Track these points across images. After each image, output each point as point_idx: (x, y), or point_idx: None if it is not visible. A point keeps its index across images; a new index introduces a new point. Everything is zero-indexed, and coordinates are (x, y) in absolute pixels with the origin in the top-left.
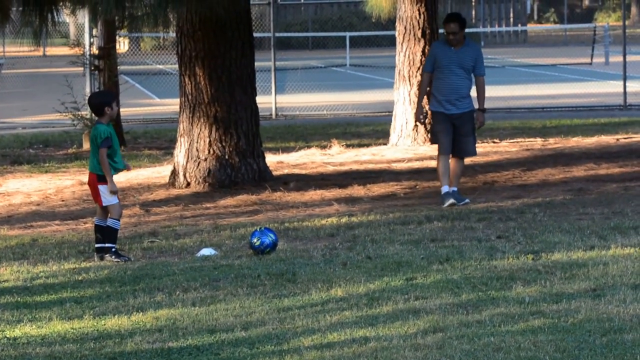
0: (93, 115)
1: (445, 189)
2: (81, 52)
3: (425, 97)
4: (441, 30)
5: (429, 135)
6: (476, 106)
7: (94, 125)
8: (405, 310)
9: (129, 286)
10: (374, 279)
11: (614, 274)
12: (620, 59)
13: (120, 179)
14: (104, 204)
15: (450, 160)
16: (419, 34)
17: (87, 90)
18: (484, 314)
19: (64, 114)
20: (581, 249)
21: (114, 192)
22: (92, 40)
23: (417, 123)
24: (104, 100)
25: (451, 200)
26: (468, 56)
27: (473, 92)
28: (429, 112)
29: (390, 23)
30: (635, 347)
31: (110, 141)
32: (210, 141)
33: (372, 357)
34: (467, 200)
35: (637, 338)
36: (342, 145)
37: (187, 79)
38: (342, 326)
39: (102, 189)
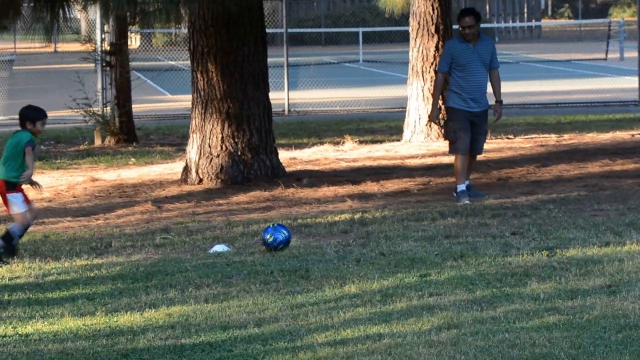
0: (106, 111)
1: (462, 187)
2: (93, 48)
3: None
4: (455, 26)
5: (443, 130)
6: (492, 100)
7: (14, 133)
8: (419, 306)
9: (142, 283)
10: (387, 275)
11: (630, 270)
12: (636, 54)
13: (133, 175)
14: (10, 212)
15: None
16: (433, 29)
17: (99, 86)
18: (499, 311)
19: (76, 110)
20: (596, 245)
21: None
22: (103, 36)
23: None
24: (29, 114)
25: (467, 200)
26: (486, 51)
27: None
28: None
29: (404, 18)
30: None
31: (34, 144)
32: (222, 137)
33: (386, 354)
34: (485, 195)
35: None
36: (355, 142)
37: (199, 75)
38: (355, 323)
39: (10, 197)
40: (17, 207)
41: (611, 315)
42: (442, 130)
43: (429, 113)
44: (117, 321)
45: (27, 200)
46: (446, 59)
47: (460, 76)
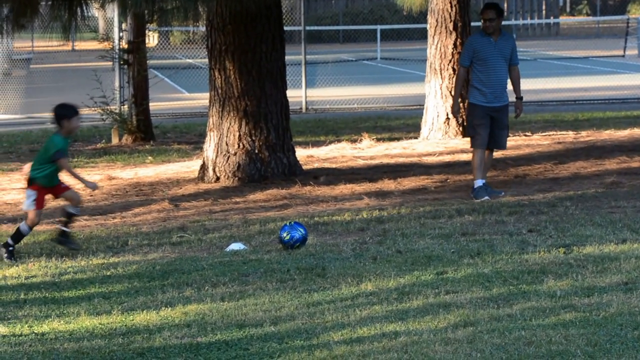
0: (123, 109)
1: (479, 182)
2: (110, 47)
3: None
4: (473, 24)
5: (461, 127)
6: (513, 97)
7: (50, 136)
8: (436, 304)
9: (158, 281)
10: (404, 273)
11: None
12: None
13: (150, 173)
14: (23, 209)
15: None
16: (451, 26)
17: (116, 84)
18: (515, 308)
19: (93, 108)
20: (613, 243)
21: (93, 187)
22: (121, 34)
23: (450, 116)
24: (64, 112)
25: (485, 197)
26: (507, 46)
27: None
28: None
29: (422, 16)
30: None
31: (65, 153)
32: (240, 135)
33: (403, 352)
34: (502, 193)
35: None
36: (373, 139)
37: (217, 73)
38: (372, 321)
39: (29, 192)
40: (26, 203)
41: (628, 312)
42: (460, 128)
43: (451, 107)
44: (133, 320)
45: (39, 204)
46: (468, 53)
47: (480, 70)
